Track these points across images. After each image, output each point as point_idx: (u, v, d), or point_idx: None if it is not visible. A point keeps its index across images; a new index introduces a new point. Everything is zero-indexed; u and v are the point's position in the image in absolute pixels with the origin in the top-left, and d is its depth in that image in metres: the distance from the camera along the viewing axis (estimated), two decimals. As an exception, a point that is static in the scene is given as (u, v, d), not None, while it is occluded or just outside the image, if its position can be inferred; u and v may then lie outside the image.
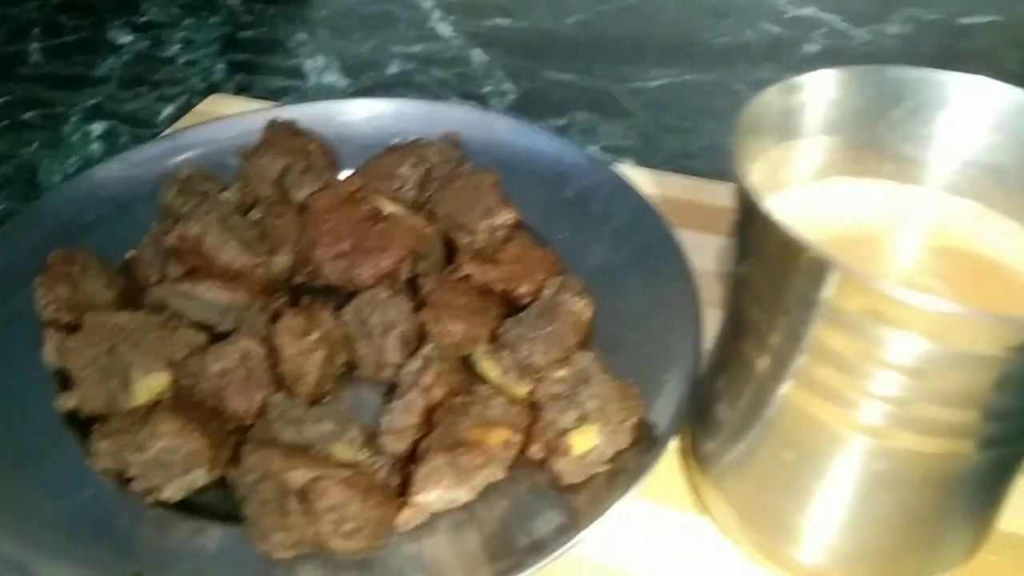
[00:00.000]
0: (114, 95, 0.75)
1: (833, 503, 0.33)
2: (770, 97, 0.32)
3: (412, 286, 0.48)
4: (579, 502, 0.39)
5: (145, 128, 0.70)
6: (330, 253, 0.46)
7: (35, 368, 0.45)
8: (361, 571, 0.36)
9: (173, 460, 0.38)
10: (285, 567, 0.36)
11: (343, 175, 0.55)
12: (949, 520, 0.34)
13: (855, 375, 0.29)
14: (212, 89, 0.75)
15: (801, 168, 0.35)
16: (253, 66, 0.79)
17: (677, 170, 0.62)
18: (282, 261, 0.48)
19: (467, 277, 0.47)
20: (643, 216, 0.52)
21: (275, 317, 0.42)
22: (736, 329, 0.34)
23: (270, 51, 0.82)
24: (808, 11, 0.86)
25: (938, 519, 0.34)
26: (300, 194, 0.51)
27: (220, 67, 0.79)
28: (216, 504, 0.40)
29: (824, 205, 0.35)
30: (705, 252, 0.51)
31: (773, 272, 0.30)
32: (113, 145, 0.68)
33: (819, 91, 0.33)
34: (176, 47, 0.82)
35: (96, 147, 0.68)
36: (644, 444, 0.40)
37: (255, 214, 0.51)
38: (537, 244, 0.50)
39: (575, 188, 0.55)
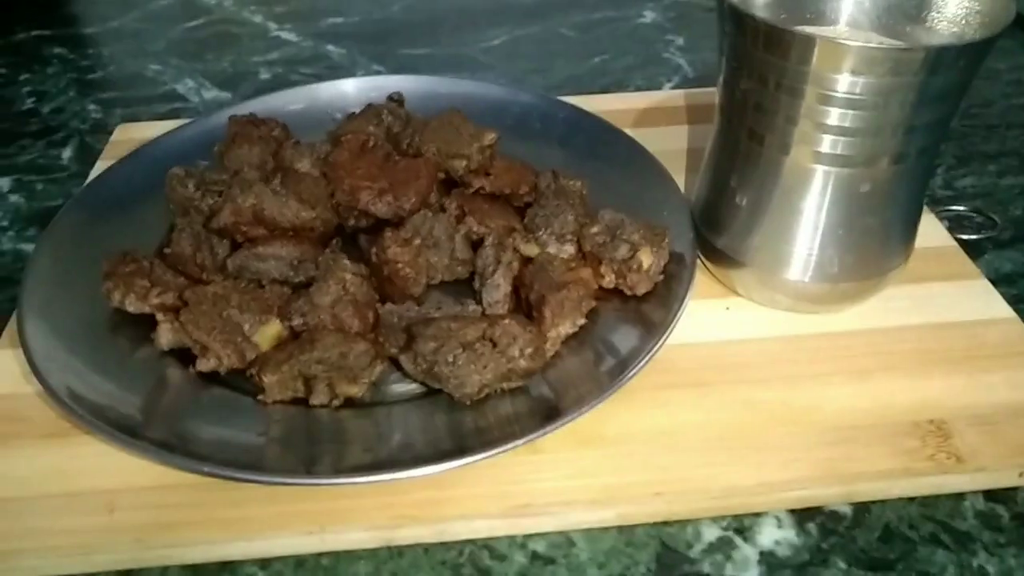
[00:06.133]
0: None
1: (819, 226, 0.48)
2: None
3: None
4: (653, 310, 0.51)
5: (56, 172, 0.71)
6: (373, 192, 0.54)
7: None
8: (532, 388, 0.46)
9: (350, 363, 0.45)
10: (480, 407, 0.44)
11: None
12: (890, 227, 0.50)
13: (821, 116, 0.44)
14: (101, 125, 0.76)
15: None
16: (127, 100, 0.81)
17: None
18: (325, 213, 0.54)
19: (480, 190, 0.57)
20: (580, 120, 0.65)
21: (363, 241, 0.51)
22: (733, 137, 0.49)
23: (133, 85, 0.84)
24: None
25: (883, 226, 0.50)
26: (303, 163, 0.58)
27: (92, 107, 0.80)
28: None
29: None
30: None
31: (768, 66, 0.44)
32: (32, 193, 0.68)
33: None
34: (29, 101, 0.81)
35: (15, 199, 0.68)
36: (676, 259, 0.53)
37: (274, 186, 0.56)
38: (511, 158, 0.61)
39: (512, 116, 0.67)
